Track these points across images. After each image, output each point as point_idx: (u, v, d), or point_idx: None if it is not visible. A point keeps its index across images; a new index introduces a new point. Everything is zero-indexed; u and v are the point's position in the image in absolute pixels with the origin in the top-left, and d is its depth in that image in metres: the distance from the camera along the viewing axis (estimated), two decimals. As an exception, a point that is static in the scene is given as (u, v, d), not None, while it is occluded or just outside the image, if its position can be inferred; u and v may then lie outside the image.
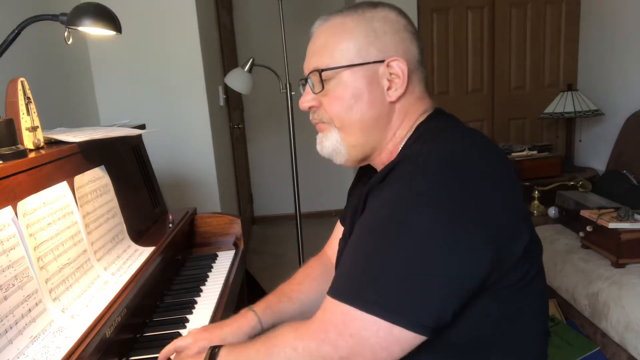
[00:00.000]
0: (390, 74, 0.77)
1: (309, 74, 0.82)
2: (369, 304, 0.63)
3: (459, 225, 0.63)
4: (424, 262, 0.62)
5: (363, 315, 0.63)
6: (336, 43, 0.78)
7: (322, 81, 0.79)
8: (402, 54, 0.77)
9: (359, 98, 0.78)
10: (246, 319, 0.93)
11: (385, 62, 0.77)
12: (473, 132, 0.76)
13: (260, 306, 0.96)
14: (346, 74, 0.77)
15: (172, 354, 0.89)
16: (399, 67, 0.76)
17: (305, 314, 1.00)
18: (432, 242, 0.62)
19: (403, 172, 0.68)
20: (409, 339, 0.63)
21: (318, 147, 0.84)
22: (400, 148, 0.79)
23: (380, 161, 0.83)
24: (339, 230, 1.04)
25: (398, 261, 0.63)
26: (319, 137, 0.84)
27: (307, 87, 0.82)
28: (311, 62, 0.81)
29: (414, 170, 0.67)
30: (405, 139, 0.80)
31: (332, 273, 1.03)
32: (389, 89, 0.78)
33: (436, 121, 0.79)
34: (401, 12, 0.81)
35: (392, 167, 0.70)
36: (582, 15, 3.39)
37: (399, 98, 0.78)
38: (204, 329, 0.92)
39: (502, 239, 0.66)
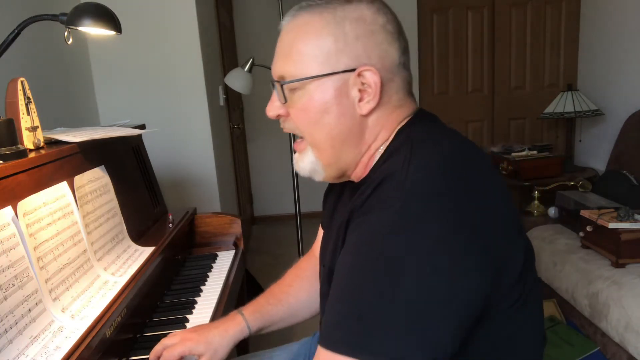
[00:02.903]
0: (362, 83, 0.68)
1: (274, 81, 0.74)
2: (374, 354, 0.55)
3: (458, 255, 0.57)
4: (428, 299, 0.55)
5: None
6: (301, 48, 0.70)
7: (284, 94, 0.72)
8: (376, 60, 0.68)
9: (326, 112, 0.70)
10: (234, 323, 0.93)
11: (356, 72, 0.68)
12: (458, 141, 0.69)
13: (249, 309, 0.96)
14: (312, 85, 0.69)
15: (161, 353, 0.89)
16: (372, 77, 0.68)
17: (293, 316, 1.00)
18: (434, 277, 0.56)
19: (388, 196, 0.60)
20: None
21: (295, 167, 0.78)
22: (376, 160, 0.72)
23: (356, 175, 0.76)
24: (320, 230, 1.03)
25: (400, 302, 0.55)
26: (295, 157, 0.78)
27: (275, 94, 0.74)
28: (276, 67, 0.74)
29: (402, 195, 0.59)
30: (381, 150, 0.72)
31: None
32: (360, 100, 0.69)
33: (416, 129, 0.71)
34: (381, 7, 0.71)
35: (374, 188, 0.63)
36: (582, 15, 3.40)
37: (372, 111, 0.70)
38: (193, 329, 0.92)
39: (501, 261, 0.61)
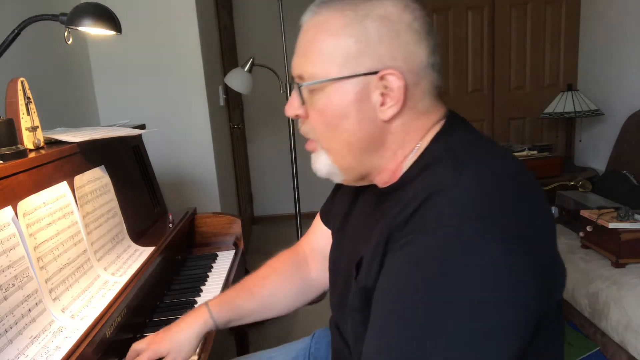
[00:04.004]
0: (385, 87, 0.64)
1: (293, 79, 0.71)
2: None
3: (517, 277, 0.54)
4: (487, 322, 0.53)
5: None
6: (320, 48, 0.66)
7: (302, 94, 0.69)
8: (401, 62, 0.64)
9: (345, 116, 0.66)
10: (197, 315, 0.91)
11: (379, 75, 0.64)
12: (501, 153, 0.66)
13: (215, 301, 0.93)
14: (331, 88, 0.65)
15: (134, 358, 0.89)
16: (395, 81, 0.63)
17: (266, 310, 0.97)
18: (494, 300, 0.53)
19: (443, 215, 0.56)
20: None
21: (313, 168, 0.74)
22: (408, 167, 0.68)
23: (381, 180, 0.72)
24: (318, 226, 0.99)
25: (458, 327, 0.53)
26: (312, 157, 0.75)
27: (295, 92, 0.71)
28: (295, 66, 0.70)
29: (459, 213, 0.55)
30: (413, 156, 0.68)
31: (304, 269, 1.00)
32: (382, 105, 0.65)
33: (454, 137, 0.67)
34: (409, 3, 0.65)
35: (420, 204, 0.58)
36: (582, 15, 3.39)
37: (395, 116, 0.65)
38: (160, 331, 0.91)
39: (552, 282, 0.59)
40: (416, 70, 0.65)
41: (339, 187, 0.91)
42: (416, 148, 0.68)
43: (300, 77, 0.69)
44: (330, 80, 0.65)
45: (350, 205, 0.83)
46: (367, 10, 0.64)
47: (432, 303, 0.54)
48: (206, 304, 0.93)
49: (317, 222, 1.00)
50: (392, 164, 0.69)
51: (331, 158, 0.71)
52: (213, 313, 0.91)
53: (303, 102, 0.70)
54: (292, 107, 0.72)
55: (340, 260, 0.82)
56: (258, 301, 0.96)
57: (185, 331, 0.89)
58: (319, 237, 0.98)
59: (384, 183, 0.72)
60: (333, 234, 0.90)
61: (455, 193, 0.57)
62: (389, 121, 0.66)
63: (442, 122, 0.69)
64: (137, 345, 0.90)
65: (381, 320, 0.58)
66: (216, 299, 0.94)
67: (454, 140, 0.66)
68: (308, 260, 1.02)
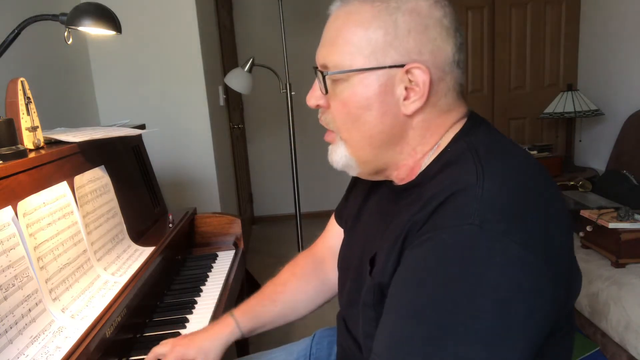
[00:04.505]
0: (410, 81, 0.64)
1: (317, 68, 0.70)
2: None
3: (536, 277, 0.54)
4: (504, 319, 0.52)
5: None
6: (348, 38, 0.65)
7: (325, 85, 0.68)
8: (428, 57, 0.64)
9: (367, 108, 0.66)
10: (224, 325, 0.92)
11: (405, 68, 0.63)
12: (522, 154, 0.66)
13: (240, 311, 0.94)
14: (356, 79, 0.65)
15: None
16: (421, 75, 0.63)
17: (288, 316, 0.98)
18: (512, 298, 0.52)
19: (465, 212, 0.55)
20: None
21: (329, 159, 0.74)
22: (427, 164, 0.67)
23: (398, 177, 0.71)
24: (332, 226, 1.00)
25: (474, 323, 0.52)
26: (329, 149, 0.74)
27: (317, 82, 0.70)
28: (320, 55, 0.69)
29: (481, 211, 0.55)
30: (432, 154, 0.67)
31: (322, 269, 1.01)
32: (405, 99, 0.65)
33: (476, 137, 0.66)
34: (439, 0, 0.65)
35: (442, 202, 0.58)
36: (582, 15, 3.40)
37: (418, 111, 0.65)
38: (183, 336, 0.91)
39: (569, 284, 0.59)
40: (442, 66, 0.65)
41: (352, 187, 0.92)
42: (436, 145, 0.68)
43: (324, 67, 0.68)
44: (355, 71, 0.65)
45: (362, 202, 0.83)
46: (398, 3, 0.64)
47: (450, 300, 0.53)
48: (231, 313, 0.94)
49: (332, 222, 1.01)
50: (410, 160, 0.69)
51: (349, 150, 0.70)
52: (239, 322, 0.92)
53: (326, 92, 0.69)
54: (314, 97, 0.71)
55: (351, 256, 0.82)
56: (279, 308, 0.97)
57: (213, 339, 0.89)
58: (334, 237, 0.99)
59: (401, 179, 0.71)
60: (345, 232, 0.90)
61: (478, 192, 0.57)
62: (411, 116, 0.66)
63: (463, 121, 0.69)
64: (158, 349, 0.89)
65: (395, 315, 0.58)
66: (240, 308, 0.95)
67: (476, 140, 0.65)
68: (325, 260, 1.02)
